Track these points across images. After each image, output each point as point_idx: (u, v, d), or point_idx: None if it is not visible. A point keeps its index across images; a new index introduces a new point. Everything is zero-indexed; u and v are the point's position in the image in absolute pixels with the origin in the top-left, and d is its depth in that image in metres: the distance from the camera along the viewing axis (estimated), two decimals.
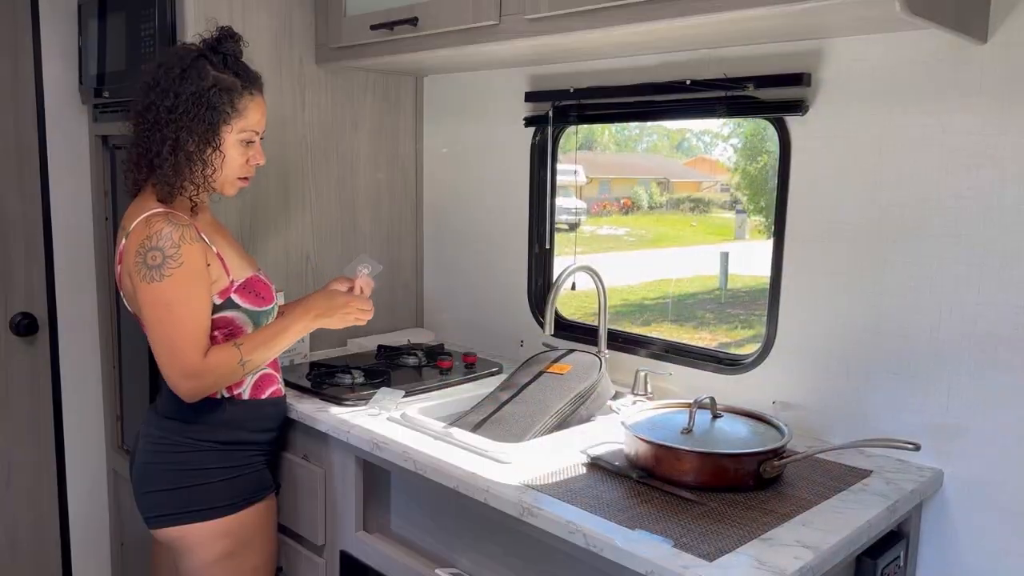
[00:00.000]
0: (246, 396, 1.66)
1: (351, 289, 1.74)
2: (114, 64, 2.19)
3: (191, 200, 1.59)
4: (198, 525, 1.60)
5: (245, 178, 1.64)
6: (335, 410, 1.75)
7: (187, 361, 1.49)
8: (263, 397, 1.69)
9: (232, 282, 1.59)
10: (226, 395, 1.63)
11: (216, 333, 1.58)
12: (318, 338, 2.20)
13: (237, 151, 1.58)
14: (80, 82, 2.39)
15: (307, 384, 1.88)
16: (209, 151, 1.54)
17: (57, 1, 2.35)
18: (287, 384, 1.91)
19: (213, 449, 1.63)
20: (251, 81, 1.60)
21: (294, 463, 1.83)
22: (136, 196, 1.60)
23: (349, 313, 1.68)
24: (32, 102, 2.34)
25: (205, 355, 1.51)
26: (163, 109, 1.51)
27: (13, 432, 2.40)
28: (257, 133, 1.61)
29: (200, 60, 1.54)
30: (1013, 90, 1.37)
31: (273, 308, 1.68)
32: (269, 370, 1.70)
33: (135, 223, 1.51)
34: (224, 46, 1.57)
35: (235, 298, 1.59)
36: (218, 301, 1.57)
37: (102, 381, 2.56)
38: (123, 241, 1.53)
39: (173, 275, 1.46)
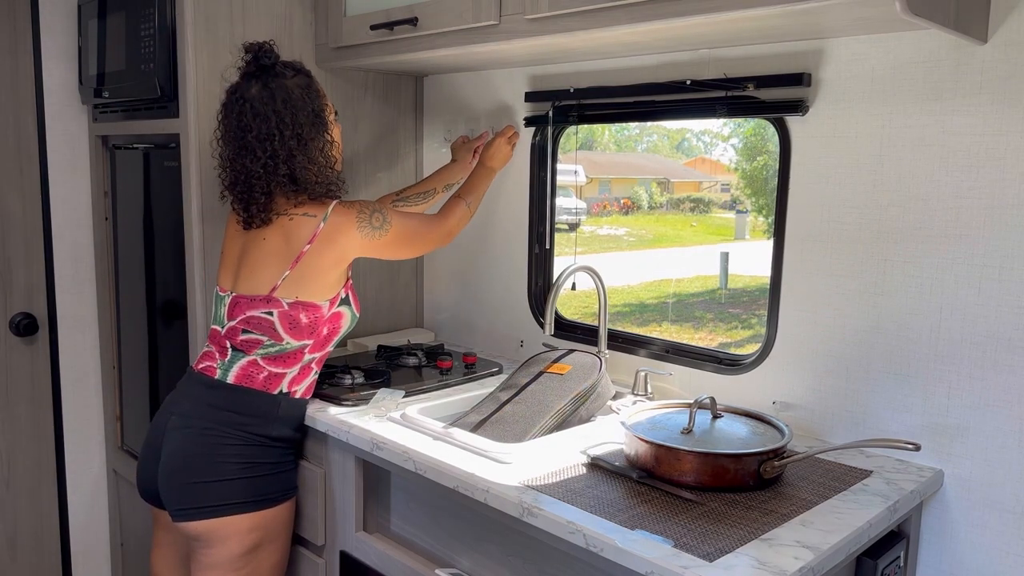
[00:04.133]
0: (300, 394, 1.73)
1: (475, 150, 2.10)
2: (114, 64, 2.19)
3: (335, 195, 1.71)
4: (237, 517, 1.63)
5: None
6: (335, 410, 1.75)
7: (435, 227, 1.83)
8: (309, 397, 1.77)
9: (349, 279, 1.75)
10: (286, 391, 1.69)
11: (326, 328, 1.69)
12: None
13: (336, 128, 1.76)
14: (80, 82, 2.39)
15: None
16: (328, 147, 1.69)
17: (57, 1, 2.35)
18: None
19: (264, 444, 1.67)
20: (305, 67, 1.71)
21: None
22: (263, 216, 1.68)
23: (507, 147, 2.03)
24: (32, 102, 2.34)
25: (436, 218, 1.84)
26: (289, 138, 1.62)
27: (13, 432, 2.40)
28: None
29: (277, 79, 1.63)
30: (1013, 90, 1.37)
31: (358, 316, 1.79)
32: (316, 370, 1.76)
33: (331, 210, 1.65)
34: (269, 59, 1.65)
35: (349, 296, 1.74)
36: (344, 294, 1.72)
37: (102, 381, 2.56)
38: (321, 225, 1.64)
39: (392, 218, 1.73)
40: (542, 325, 1.90)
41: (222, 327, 1.71)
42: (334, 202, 1.68)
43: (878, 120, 1.52)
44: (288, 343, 1.67)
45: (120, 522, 2.59)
